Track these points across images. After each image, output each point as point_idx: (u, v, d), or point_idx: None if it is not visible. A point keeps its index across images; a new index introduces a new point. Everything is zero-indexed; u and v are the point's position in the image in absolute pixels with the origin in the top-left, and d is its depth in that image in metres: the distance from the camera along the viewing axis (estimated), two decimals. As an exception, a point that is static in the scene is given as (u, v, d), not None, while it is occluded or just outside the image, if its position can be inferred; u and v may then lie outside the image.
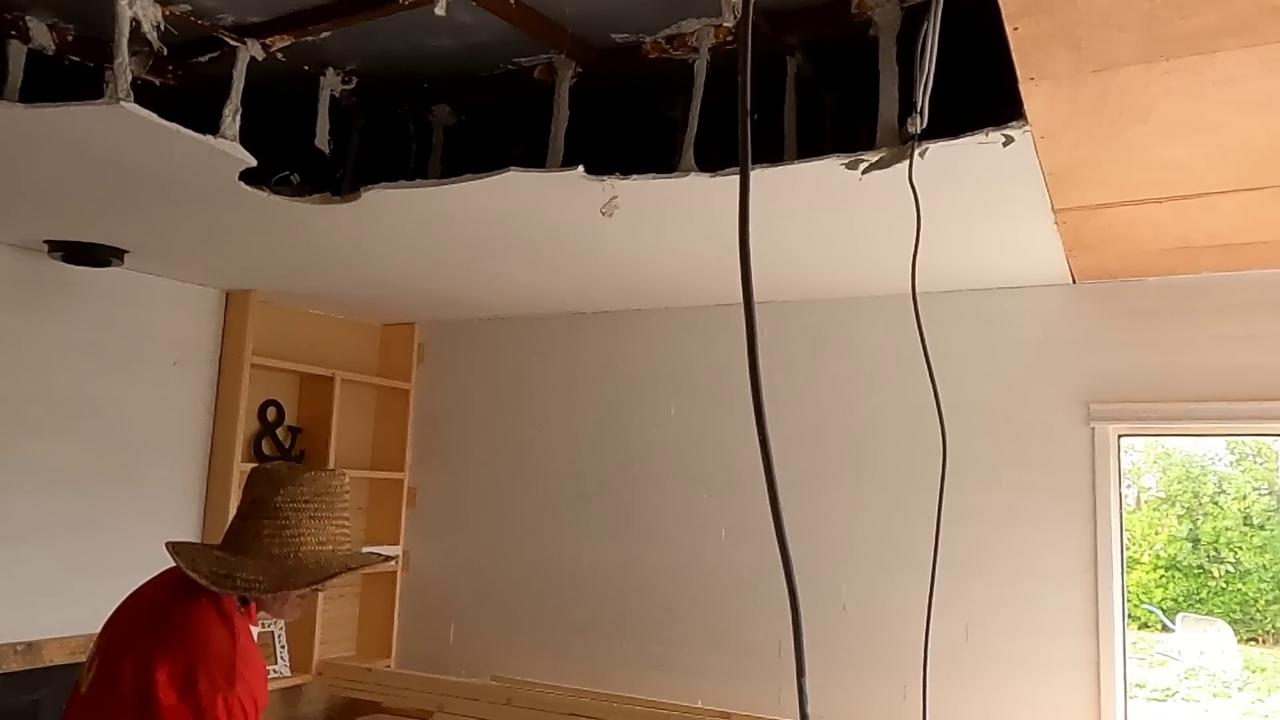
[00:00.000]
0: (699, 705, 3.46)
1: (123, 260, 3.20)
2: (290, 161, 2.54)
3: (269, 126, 2.44)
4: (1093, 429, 3.13)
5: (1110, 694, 3.02)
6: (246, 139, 2.17)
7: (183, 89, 2.36)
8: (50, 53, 2.21)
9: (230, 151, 2.14)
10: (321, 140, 2.46)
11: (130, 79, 1.94)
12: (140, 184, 2.43)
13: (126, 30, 1.93)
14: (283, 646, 3.92)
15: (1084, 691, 3.05)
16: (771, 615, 3.50)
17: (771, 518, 0.70)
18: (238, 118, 2.15)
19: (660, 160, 2.27)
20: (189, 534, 3.62)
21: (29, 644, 3.07)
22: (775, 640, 3.49)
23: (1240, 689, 7.86)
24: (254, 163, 2.22)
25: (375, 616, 4.33)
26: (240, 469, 3.68)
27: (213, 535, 3.63)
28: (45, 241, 3.06)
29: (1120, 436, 3.17)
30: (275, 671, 3.85)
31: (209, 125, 2.11)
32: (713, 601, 3.63)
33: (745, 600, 3.56)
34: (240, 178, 2.34)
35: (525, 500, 4.10)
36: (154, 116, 1.97)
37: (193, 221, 2.79)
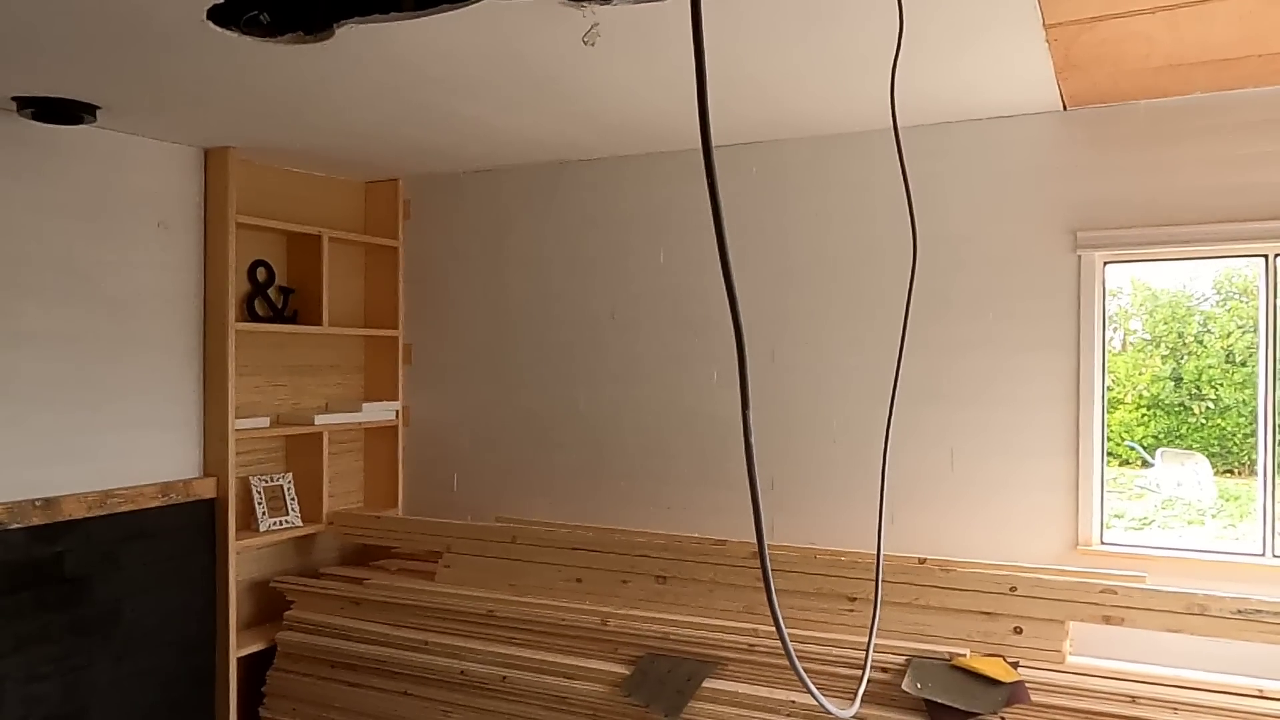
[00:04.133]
0: (696, 535, 3.62)
1: (95, 117, 3.13)
2: (258, 0, 2.44)
3: (233, -38, 2.33)
4: (1079, 256, 3.16)
5: (1088, 514, 3.17)
6: (211, -26, 2.09)
7: (139, -78, 2.25)
8: (-5, -116, 2.10)
9: (195, -14, 2.07)
10: (289, -25, 2.36)
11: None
12: (106, 29, 2.36)
13: None
14: (293, 499, 4.05)
15: (1063, 512, 3.20)
16: (763, 451, 3.62)
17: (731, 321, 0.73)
18: (200, -51, 2.06)
19: (641, -17, 2.20)
20: (191, 393, 3.68)
21: (47, 500, 3.17)
22: (766, 475, 3.62)
23: (1214, 516, 8.21)
24: (221, -2, 2.14)
25: (380, 469, 4.47)
26: (235, 329, 3.71)
27: (214, 393, 3.70)
28: (14, 99, 2.99)
29: (1106, 264, 3.20)
30: (287, 523, 4.00)
31: (170, -42, 2.02)
32: (706, 440, 3.75)
33: (737, 438, 3.67)
34: (208, 18, 2.26)
35: (520, 350, 4.16)
36: (112, -53, 1.88)
37: (163, 71, 2.71)
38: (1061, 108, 3.14)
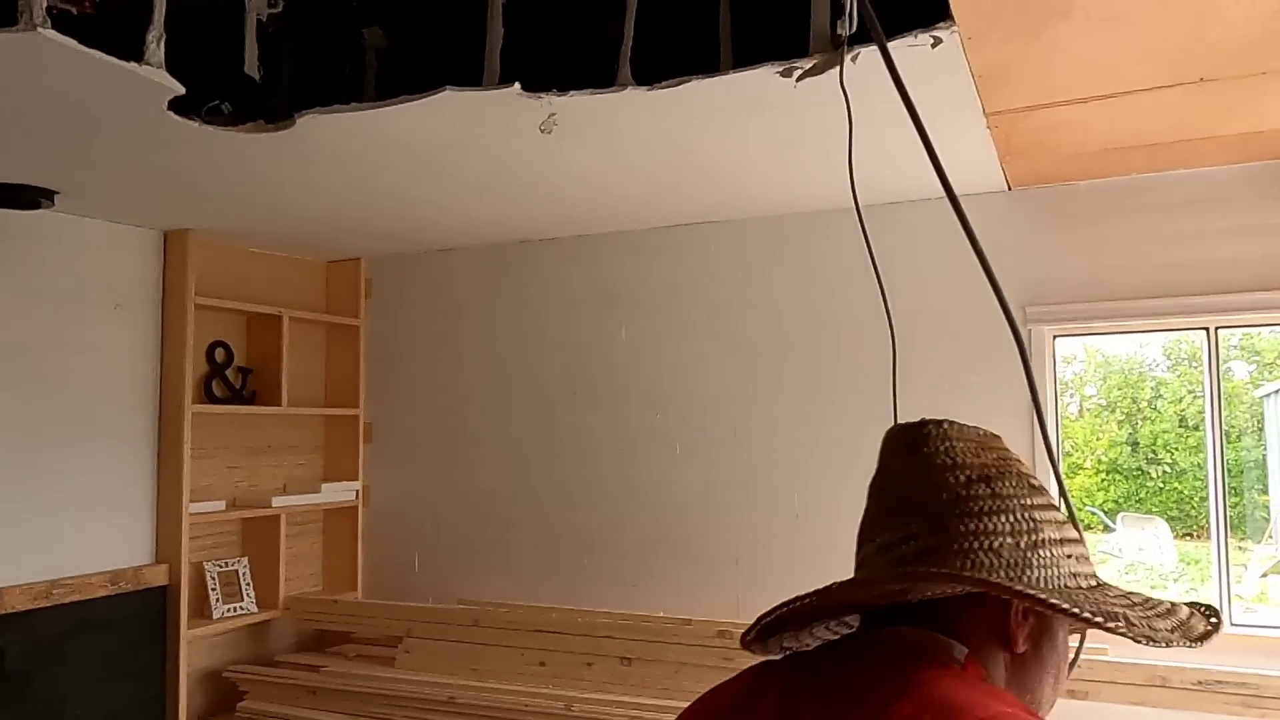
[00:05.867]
0: (661, 614, 3.58)
1: (53, 202, 3.12)
2: (221, 90, 2.48)
3: (196, 55, 2.37)
4: (1029, 330, 3.24)
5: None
6: (173, 68, 2.13)
7: (102, 17, 2.29)
8: (-42, -19, 2.13)
9: (157, 79, 2.10)
10: (251, 67, 2.41)
11: (46, 6, 1.88)
12: (65, 118, 2.37)
13: (38, -47, 1.86)
14: (248, 584, 3.95)
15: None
16: (727, 528, 3.61)
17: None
18: (162, 44, 2.09)
19: (599, 75, 2.27)
20: (144, 477, 3.61)
21: (-11, 592, 3.07)
22: (731, 552, 3.61)
23: (1175, 580, 8.28)
24: (182, 90, 2.17)
25: (339, 551, 4.38)
26: (192, 411, 3.66)
27: (167, 477, 3.62)
28: (-30, 185, 2.98)
29: (1055, 337, 3.28)
30: (241, 609, 3.89)
31: (133, 53, 2.05)
32: (669, 517, 3.73)
33: (701, 514, 3.67)
34: (170, 108, 2.29)
35: (481, 428, 4.14)
36: (74, 43, 1.92)
37: (123, 157, 2.73)
38: (1006, 188, 3.25)
